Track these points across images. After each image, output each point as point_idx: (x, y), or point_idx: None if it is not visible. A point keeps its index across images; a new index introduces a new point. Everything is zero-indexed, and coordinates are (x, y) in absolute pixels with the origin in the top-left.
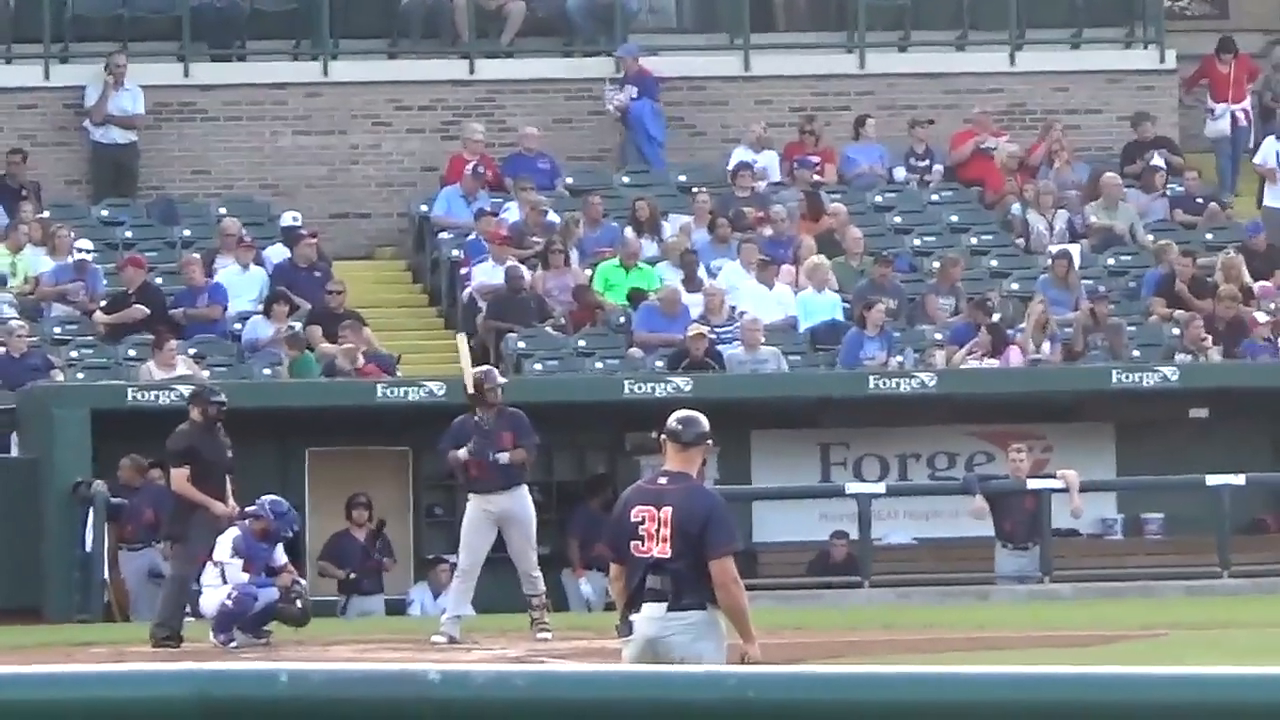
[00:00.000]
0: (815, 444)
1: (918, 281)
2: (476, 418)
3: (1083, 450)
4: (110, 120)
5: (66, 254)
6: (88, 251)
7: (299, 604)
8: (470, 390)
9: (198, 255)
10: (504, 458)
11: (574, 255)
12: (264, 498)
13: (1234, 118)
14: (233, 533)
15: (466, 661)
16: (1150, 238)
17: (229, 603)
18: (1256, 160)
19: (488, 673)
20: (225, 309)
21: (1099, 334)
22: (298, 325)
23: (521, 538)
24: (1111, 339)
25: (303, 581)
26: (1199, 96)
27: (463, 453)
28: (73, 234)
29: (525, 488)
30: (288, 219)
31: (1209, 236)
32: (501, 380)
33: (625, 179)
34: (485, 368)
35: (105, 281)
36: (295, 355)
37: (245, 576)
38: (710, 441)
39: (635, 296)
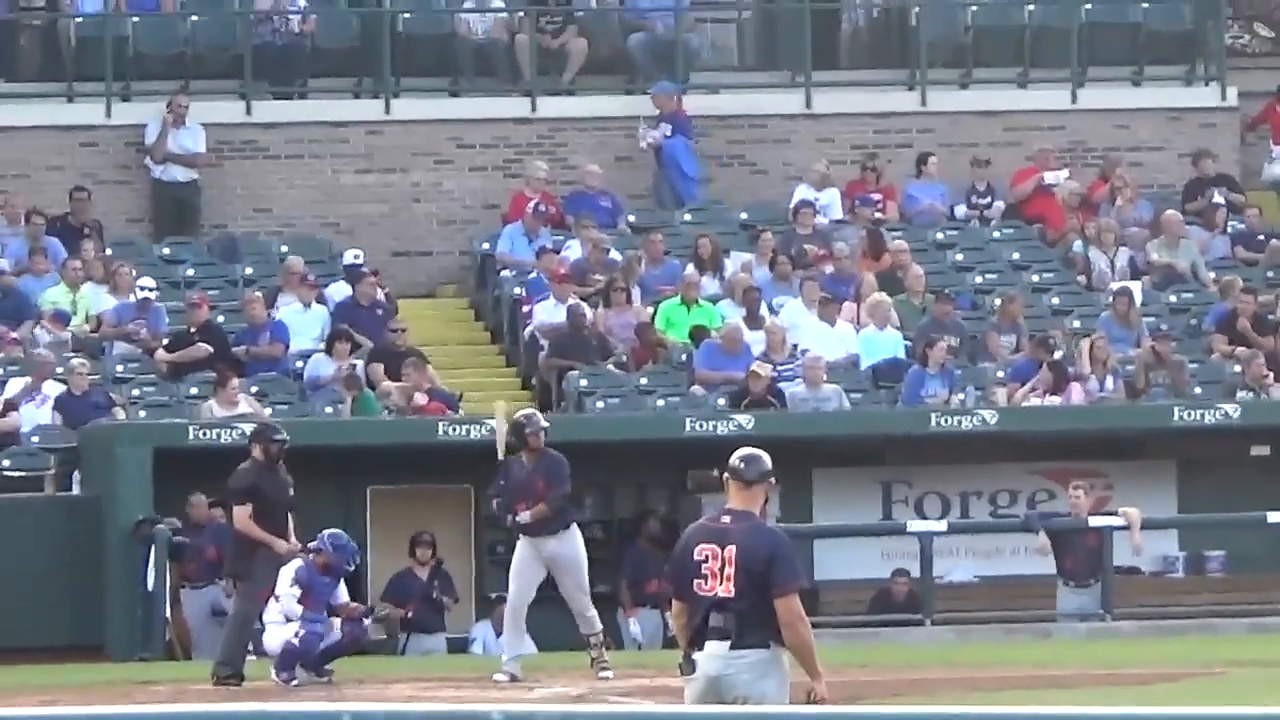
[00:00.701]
0: (877, 482)
1: (979, 319)
2: (520, 460)
3: (1144, 488)
4: (171, 158)
5: (129, 292)
6: (150, 290)
7: (380, 619)
8: (500, 457)
9: (260, 293)
10: (524, 517)
11: (635, 293)
12: (324, 531)
13: None
14: (295, 563)
15: (528, 700)
16: (1211, 275)
17: (295, 641)
18: None
19: (551, 713)
20: (287, 347)
21: (1161, 371)
22: (358, 364)
23: (571, 581)
24: (1174, 376)
25: (367, 621)
26: (1261, 134)
27: (495, 504)
28: (134, 272)
29: (575, 530)
30: (350, 257)
31: (1270, 274)
32: (545, 424)
33: (687, 216)
34: (527, 412)
35: (168, 320)
36: (355, 394)
37: (299, 609)
38: (774, 480)
39: (697, 334)
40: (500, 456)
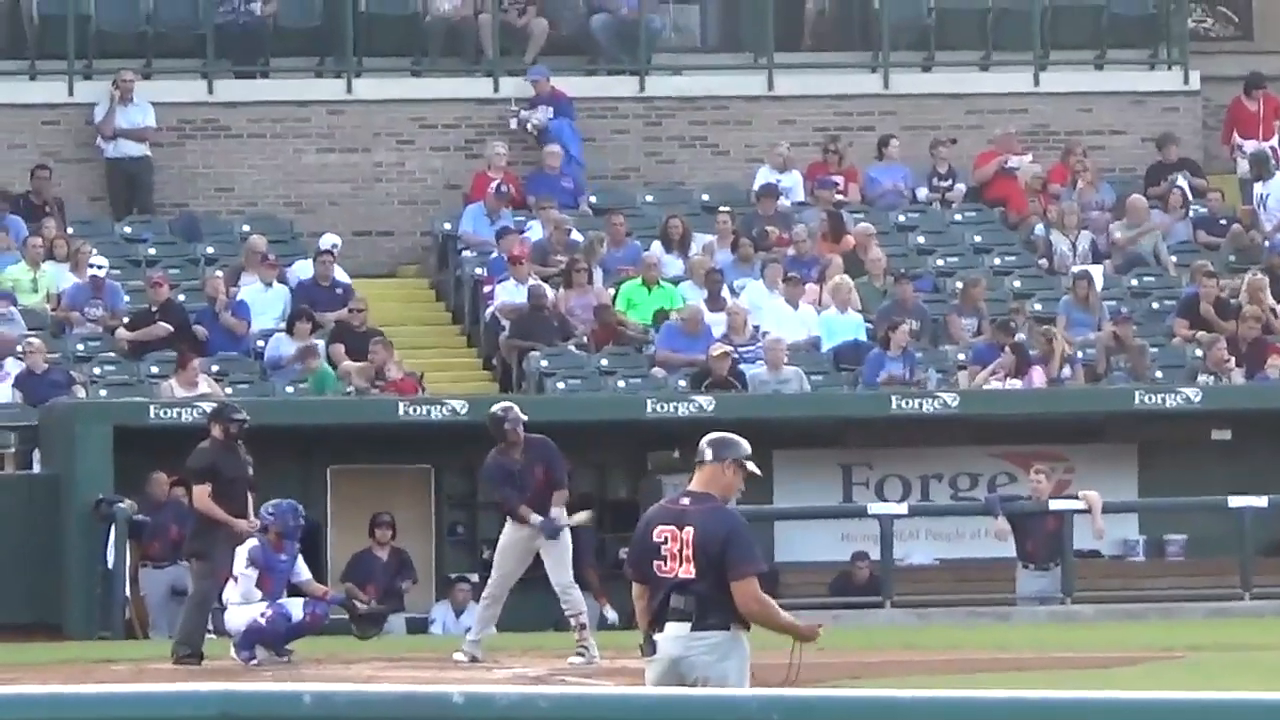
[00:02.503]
0: (837, 464)
1: (940, 302)
2: (505, 456)
3: (1105, 471)
4: (120, 134)
5: (88, 271)
6: (99, 268)
7: (365, 607)
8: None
9: (220, 273)
10: (578, 518)
11: (597, 274)
12: (263, 507)
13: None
14: (250, 543)
15: (488, 681)
16: (1173, 259)
17: (261, 620)
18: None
19: (511, 695)
20: (249, 325)
21: (1122, 355)
22: (319, 343)
23: (555, 560)
24: (1134, 360)
25: (332, 594)
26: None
27: (524, 513)
28: (95, 251)
29: (562, 510)
30: (326, 242)
31: (1231, 259)
32: (523, 416)
33: (649, 197)
34: (503, 404)
35: (127, 298)
36: (313, 367)
37: (259, 594)
38: (736, 461)
39: (658, 316)
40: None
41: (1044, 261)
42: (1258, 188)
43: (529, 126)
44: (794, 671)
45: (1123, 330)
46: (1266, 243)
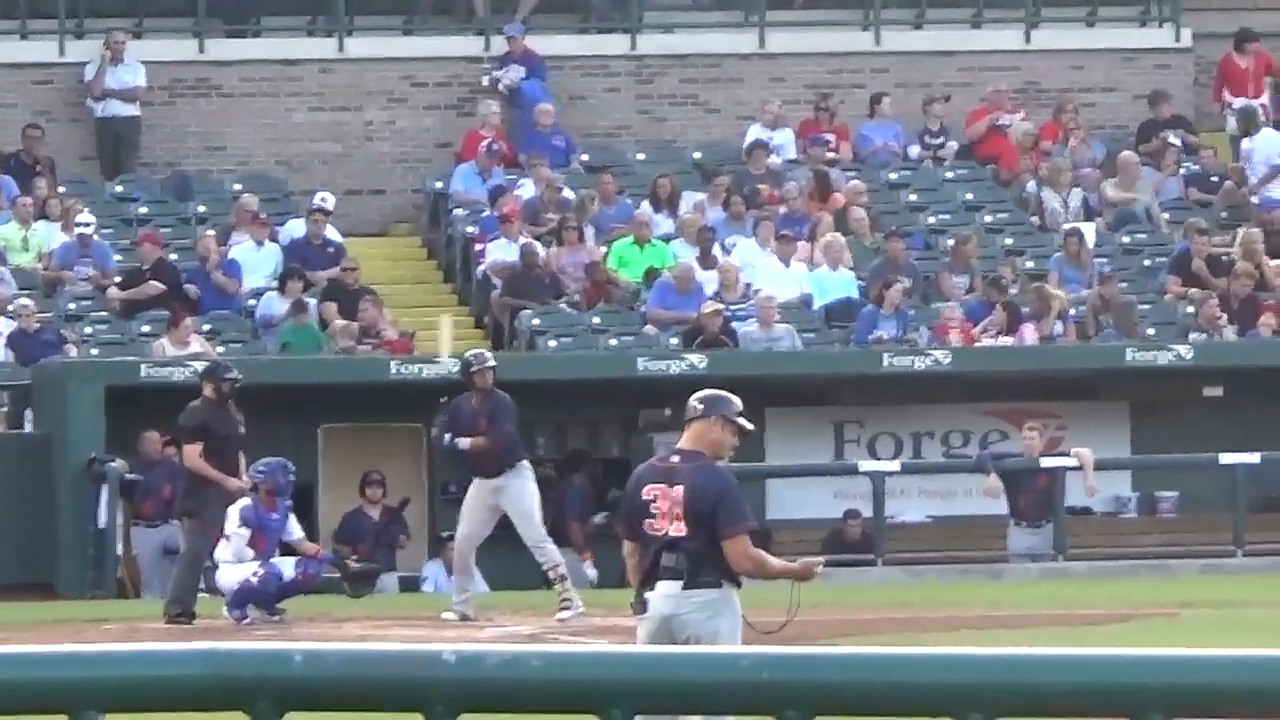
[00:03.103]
0: (829, 422)
1: (932, 259)
2: (465, 401)
3: (1097, 429)
4: (111, 94)
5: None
6: (86, 225)
7: (357, 565)
8: (443, 354)
9: (213, 232)
10: (463, 443)
11: (589, 232)
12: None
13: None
14: (242, 503)
15: (479, 640)
16: (1165, 215)
17: (253, 579)
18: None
19: (503, 653)
20: (240, 284)
21: (1108, 314)
22: (312, 301)
23: (521, 518)
24: (1119, 318)
25: (324, 554)
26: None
27: (434, 434)
28: (85, 210)
29: (524, 468)
30: (319, 200)
31: (1223, 215)
32: (492, 363)
33: (641, 155)
34: (476, 351)
35: (119, 257)
36: (303, 321)
37: (251, 553)
38: (724, 417)
39: (650, 274)
40: (442, 359)
41: (1035, 219)
42: (1245, 144)
43: (501, 86)
44: (794, 611)
45: (1107, 290)
46: (1254, 198)
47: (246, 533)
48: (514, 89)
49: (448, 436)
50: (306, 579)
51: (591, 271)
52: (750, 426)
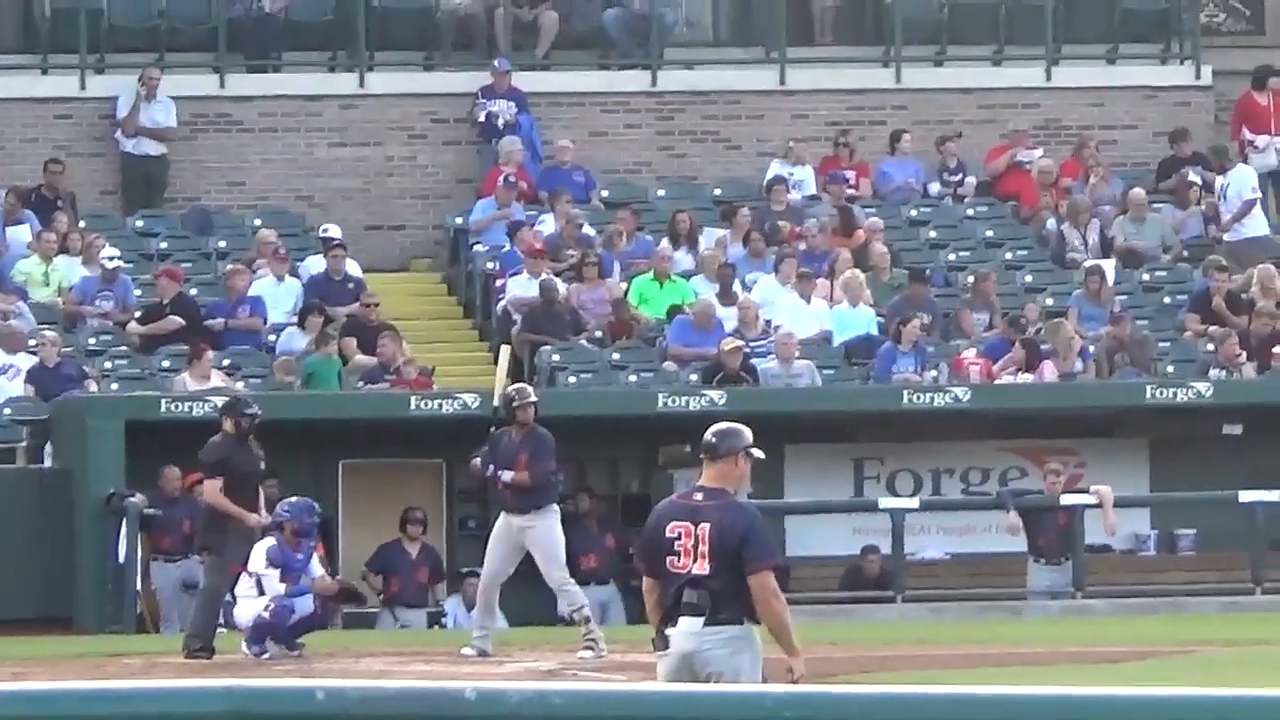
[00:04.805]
0: (849, 458)
1: (952, 296)
2: (505, 434)
3: (1116, 466)
4: (142, 132)
5: (100, 265)
6: (112, 258)
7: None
8: (496, 404)
9: (242, 266)
10: (505, 476)
11: (614, 267)
12: (277, 505)
13: (1277, 150)
14: (267, 543)
15: (499, 676)
16: (1185, 253)
17: (266, 614)
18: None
19: (524, 691)
20: (265, 320)
21: (1122, 353)
22: (334, 335)
23: (544, 560)
24: (1135, 355)
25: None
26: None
27: (475, 463)
28: (106, 244)
29: (552, 510)
30: (330, 231)
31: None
32: (533, 399)
33: (661, 191)
34: (519, 386)
35: (139, 292)
36: (326, 354)
37: (282, 587)
38: (747, 451)
39: (670, 310)
40: (495, 401)
41: (1055, 256)
42: (1218, 180)
43: (500, 123)
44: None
45: (1119, 329)
46: (1225, 235)
47: (275, 572)
48: (511, 124)
49: (491, 467)
50: (326, 614)
51: (614, 308)
52: (762, 455)
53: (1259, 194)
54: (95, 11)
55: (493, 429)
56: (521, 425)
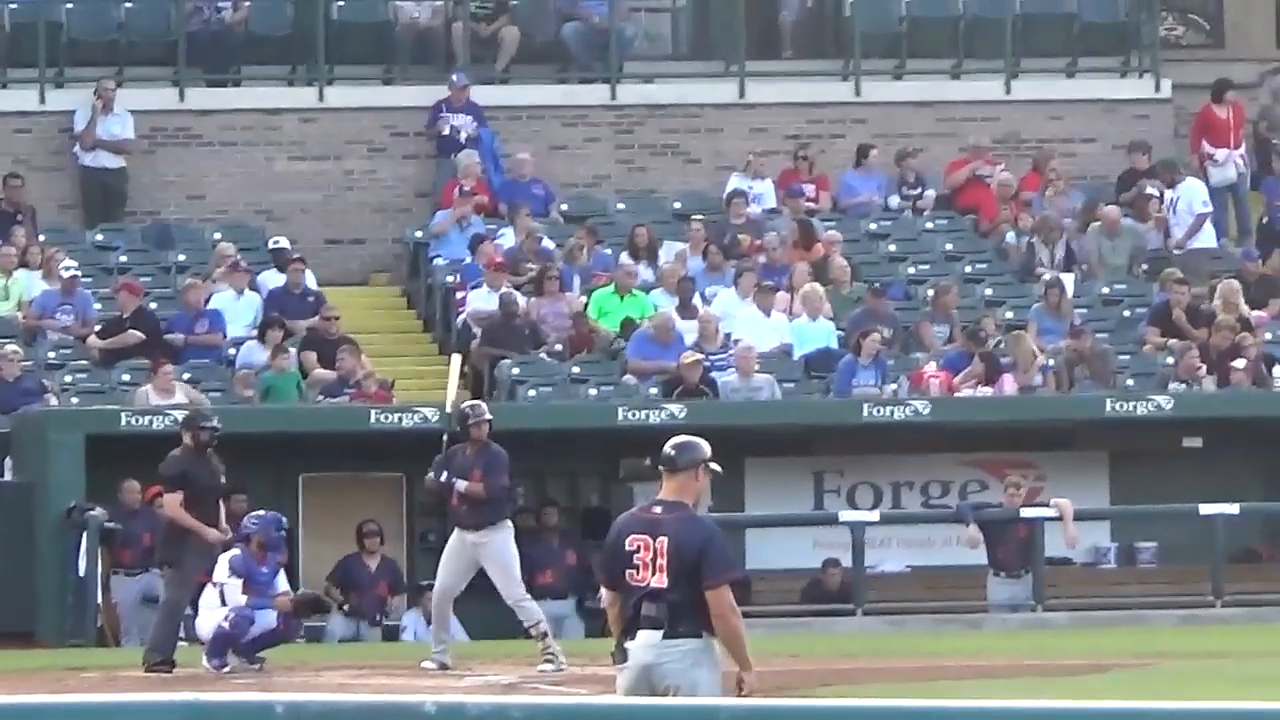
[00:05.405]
0: (809, 471)
1: (912, 309)
2: (460, 449)
3: (1076, 479)
4: (100, 145)
5: (59, 278)
6: (73, 270)
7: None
8: (448, 411)
9: (199, 280)
10: (460, 485)
11: (574, 280)
12: (245, 518)
13: (1236, 163)
14: (232, 553)
15: (459, 689)
16: (1144, 266)
17: (225, 625)
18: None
19: (483, 705)
20: (224, 335)
21: (1082, 366)
22: (292, 351)
23: (500, 574)
24: (1095, 368)
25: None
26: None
27: (429, 477)
28: (66, 257)
29: (504, 526)
30: (278, 242)
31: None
32: (488, 416)
33: (620, 205)
34: (474, 403)
35: (99, 306)
36: (280, 369)
37: (244, 599)
38: (706, 465)
39: (627, 324)
40: (447, 408)
41: (1015, 269)
42: (1168, 194)
43: (463, 137)
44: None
45: (1079, 342)
46: (1176, 250)
47: (238, 582)
48: (473, 137)
49: (445, 474)
50: (288, 629)
51: (574, 322)
52: (720, 469)
53: (1209, 208)
54: (55, 25)
55: (445, 440)
56: (476, 442)
